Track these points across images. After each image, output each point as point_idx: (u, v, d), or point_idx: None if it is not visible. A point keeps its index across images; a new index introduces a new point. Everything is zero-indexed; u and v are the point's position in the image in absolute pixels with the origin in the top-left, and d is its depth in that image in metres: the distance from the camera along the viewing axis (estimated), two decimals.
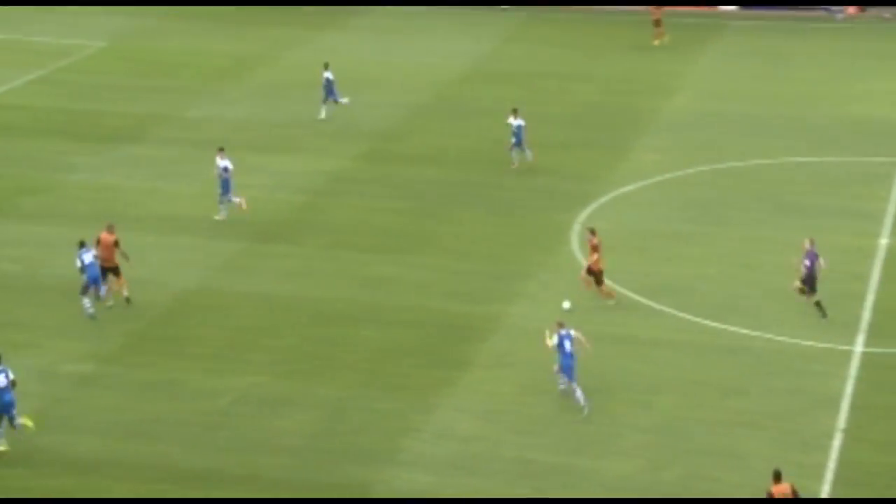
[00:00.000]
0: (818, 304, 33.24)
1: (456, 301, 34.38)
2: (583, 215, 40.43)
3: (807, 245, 33.20)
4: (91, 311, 33.29)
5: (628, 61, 57.08)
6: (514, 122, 43.45)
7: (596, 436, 28.40)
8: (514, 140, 43.51)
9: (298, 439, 28.32)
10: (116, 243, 33.76)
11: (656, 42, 59.06)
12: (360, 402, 29.83)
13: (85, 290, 33.31)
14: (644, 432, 28.59)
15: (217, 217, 39.63)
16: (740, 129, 48.34)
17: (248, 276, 36.31)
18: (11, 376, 27.59)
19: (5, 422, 27.45)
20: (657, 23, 59.37)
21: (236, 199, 39.41)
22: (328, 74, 48.37)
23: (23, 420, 27.59)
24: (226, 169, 39.32)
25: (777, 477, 24.18)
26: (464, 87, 53.71)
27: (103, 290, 33.79)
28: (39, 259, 37.01)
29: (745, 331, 33.07)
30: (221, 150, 39.89)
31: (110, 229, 34.08)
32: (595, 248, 34.20)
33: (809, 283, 33.04)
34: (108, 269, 33.73)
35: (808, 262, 32.99)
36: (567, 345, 29.08)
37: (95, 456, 27.52)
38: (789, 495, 24.01)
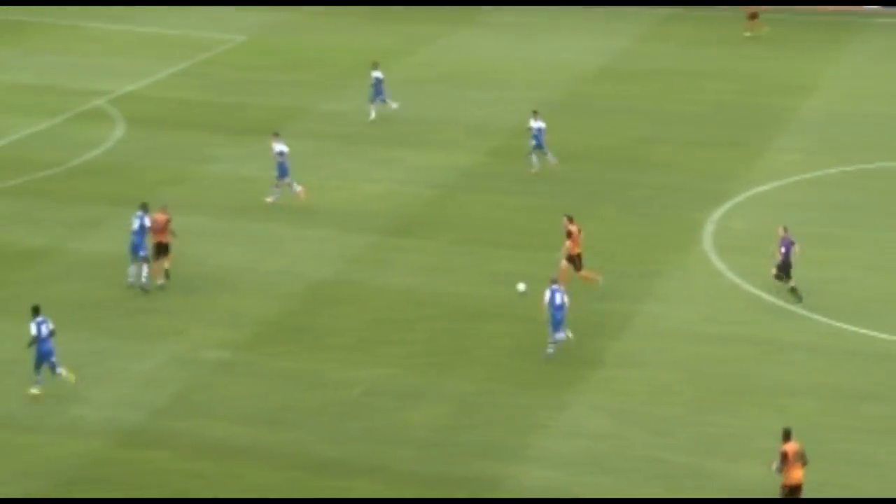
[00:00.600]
0: (793, 289, 33.58)
1: (588, 299, 34.27)
2: (717, 214, 40.00)
3: (781, 232, 33.79)
4: (143, 280, 34.56)
5: (766, 59, 56.26)
6: (534, 124, 42.97)
7: (728, 438, 28.10)
8: (533, 143, 42.99)
9: (428, 432, 28.56)
10: (168, 223, 35.01)
11: (748, 34, 58.99)
12: (491, 398, 29.96)
13: (136, 258, 34.65)
14: (778, 436, 28.07)
15: (268, 199, 40.45)
16: (879, 130, 47.31)
17: (381, 269, 36.69)
18: (51, 327, 29.46)
19: (44, 369, 29.38)
20: (753, 16, 59.48)
21: (298, 188, 40.18)
22: (377, 74, 48.26)
23: (64, 372, 29.27)
24: (281, 153, 40.22)
25: (787, 435, 24.89)
26: (598, 84, 53.50)
27: (133, 268, 34.59)
28: (179, 248, 37.83)
29: (883, 335, 32.40)
30: (276, 134, 40.90)
31: (164, 210, 35.34)
32: (569, 235, 34.31)
33: (784, 269, 33.48)
34: (161, 246, 34.96)
35: (783, 249, 33.41)
36: (557, 297, 30.94)
37: (231, 441, 28.11)
38: (800, 452, 24.71)
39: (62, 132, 47.58)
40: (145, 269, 34.67)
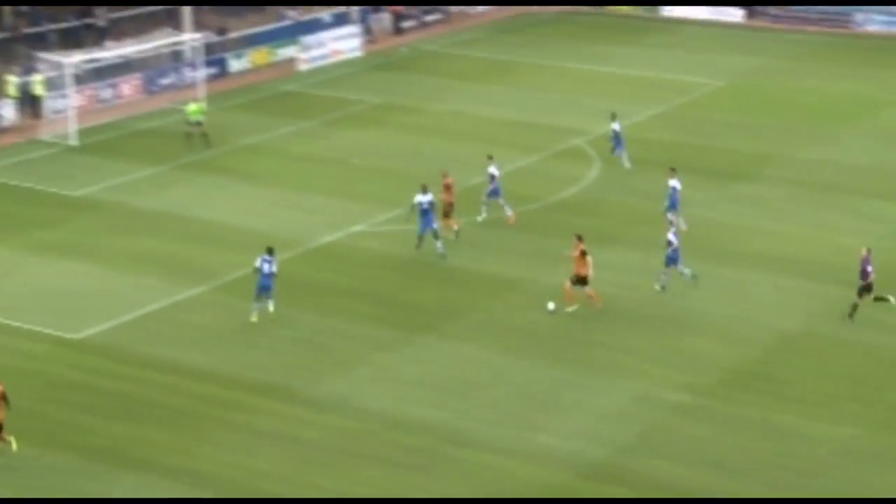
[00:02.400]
0: (855, 306, 34.72)
1: None
2: None
3: (864, 253, 34.67)
4: (440, 250, 39.61)
5: None
6: (671, 183, 40.72)
7: None
8: (668, 202, 40.52)
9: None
10: (450, 186, 40.70)
11: None
12: None
13: (434, 234, 39.64)
14: None
15: (479, 218, 42.47)
16: None
17: (852, 324, 35.37)
18: (275, 269, 34.89)
19: (262, 300, 34.95)
20: None
21: (509, 212, 42.52)
22: (615, 126, 47.33)
23: (270, 306, 35.03)
24: (492, 176, 42.28)
25: None
26: None
27: (438, 245, 39.73)
28: (640, 286, 38.21)
29: None
30: (490, 157, 42.63)
31: (445, 175, 40.91)
32: (583, 254, 35.20)
33: (867, 288, 34.45)
34: (448, 205, 40.51)
35: (869, 269, 34.33)
36: (674, 239, 36.54)
37: (688, 485, 27.91)
38: None
39: (542, 168, 49.35)
40: (439, 242, 39.56)
